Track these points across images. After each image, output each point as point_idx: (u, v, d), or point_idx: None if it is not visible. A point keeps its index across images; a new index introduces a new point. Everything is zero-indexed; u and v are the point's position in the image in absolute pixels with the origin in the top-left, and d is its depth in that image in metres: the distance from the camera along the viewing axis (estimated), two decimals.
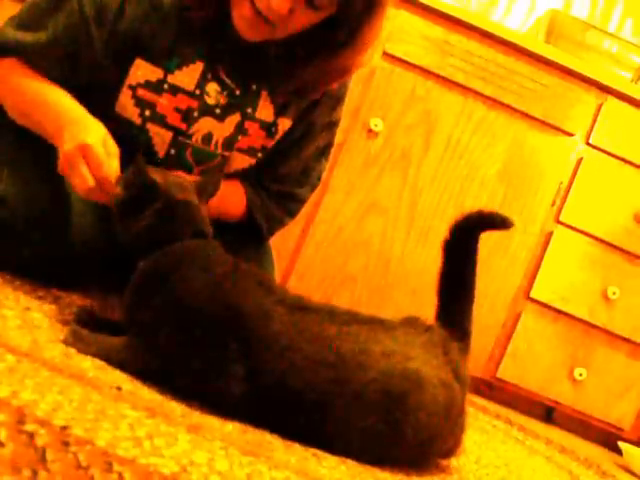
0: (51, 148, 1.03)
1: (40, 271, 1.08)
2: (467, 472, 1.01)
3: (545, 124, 2.02)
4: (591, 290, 2.03)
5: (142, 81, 1.14)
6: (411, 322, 0.94)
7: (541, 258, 2.03)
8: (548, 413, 2.13)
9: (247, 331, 0.83)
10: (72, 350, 0.83)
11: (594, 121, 2.03)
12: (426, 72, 1.99)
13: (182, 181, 0.99)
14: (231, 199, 1.30)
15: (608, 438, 2.06)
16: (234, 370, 0.82)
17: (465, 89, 2.00)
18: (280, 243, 1.59)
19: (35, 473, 0.49)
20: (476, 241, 0.99)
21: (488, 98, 2.01)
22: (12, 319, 0.85)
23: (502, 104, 2.01)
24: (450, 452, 0.97)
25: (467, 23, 1.98)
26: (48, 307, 0.98)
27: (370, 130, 1.97)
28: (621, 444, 1.81)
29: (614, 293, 2.02)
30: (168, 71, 1.14)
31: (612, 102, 2.03)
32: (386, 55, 1.97)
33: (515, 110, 2.01)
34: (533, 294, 2.02)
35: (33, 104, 1.09)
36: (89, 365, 0.80)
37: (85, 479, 0.51)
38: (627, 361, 2.04)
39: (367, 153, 1.98)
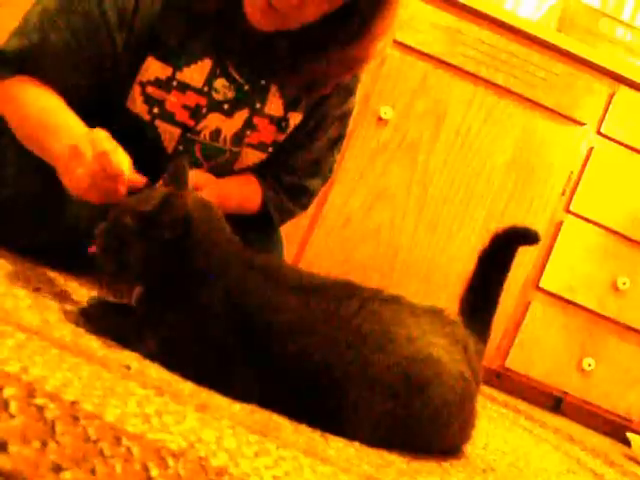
0: None
1: (46, 254, 1.08)
2: (475, 457, 1.01)
3: (556, 113, 2.01)
4: (601, 280, 2.02)
5: (152, 78, 1.13)
6: (436, 312, 0.94)
7: (551, 248, 2.02)
8: (556, 403, 2.12)
9: (254, 330, 0.83)
10: (82, 330, 0.84)
11: (605, 110, 2.02)
12: (437, 60, 1.99)
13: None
14: (250, 197, 1.31)
15: (616, 429, 2.06)
16: (242, 373, 0.83)
17: (476, 78, 2.00)
18: (289, 231, 1.59)
19: (45, 444, 0.49)
20: (513, 255, 1.02)
21: (499, 87, 2.00)
22: (23, 299, 0.86)
23: (513, 93, 2.00)
24: (456, 448, 0.97)
25: (478, 11, 1.97)
26: (59, 288, 0.99)
27: (380, 118, 1.97)
28: (630, 435, 1.81)
29: (624, 283, 2.01)
30: (177, 68, 1.13)
31: (624, 91, 2.01)
32: (396, 43, 1.96)
33: (526, 99, 2.01)
34: (542, 284, 2.02)
35: (39, 130, 1.03)
36: (98, 345, 0.81)
37: (94, 452, 0.52)
38: (636, 352, 2.03)
39: (376, 141, 1.98)
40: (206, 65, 1.15)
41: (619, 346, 2.03)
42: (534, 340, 2.02)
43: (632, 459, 1.74)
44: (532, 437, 1.45)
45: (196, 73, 1.15)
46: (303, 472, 0.66)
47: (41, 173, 1.06)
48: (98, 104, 1.11)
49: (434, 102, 1.99)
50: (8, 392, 0.55)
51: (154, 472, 0.52)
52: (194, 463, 0.57)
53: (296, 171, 1.35)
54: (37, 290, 0.93)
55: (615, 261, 2.03)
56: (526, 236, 1.03)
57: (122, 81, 1.13)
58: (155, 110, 1.15)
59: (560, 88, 2.00)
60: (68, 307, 0.91)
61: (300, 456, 0.70)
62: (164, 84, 1.14)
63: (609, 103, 2.02)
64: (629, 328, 2.03)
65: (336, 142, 1.38)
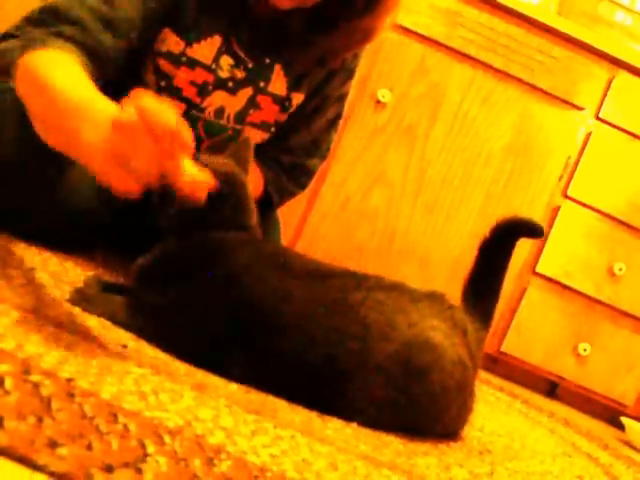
0: None
1: (42, 234, 1.07)
2: (471, 439, 1.01)
3: (554, 97, 2.00)
4: (597, 265, 2.02)
5: (165, 51, 1.12)
6: (435, 297, 0.94)
7: (547, 233, 2.01)
8: (552, 388, 2.13)
9: (257, 314, 0.83)
10: (77, 309, 0.83)
11: (604, 95, 2.01)
12: (435, 43, 1.97)
13: (225, 161, 0.96)
14: (253, 182, 1.30)
15: (611, 414, 2.07)
16: (240, 358, 0.82)
17: (474, 61, 1.98)
18: (286, 213, 1.58)
19: (40, 420, 0.49)
20: (514, 245, 1.01)
21: (497, 71, 1.99)
22: (17, 278, 0.85)
23: (511, 77, 1.99)
24: (454, 432, 0.97)
25: None
26: (53, 268, 0.98)
27: (378, 101, 1.95)
28: (624, 419, 1.82)
29: (620, 269, 2.01)
30: (187, 44, 1.13)
31: (623, 76, 2.00)
32: (395, 25, 1.95)
33: (524, 83, 2.00)
34: (539, 269, 2.02)
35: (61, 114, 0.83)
36: (94, 323, 0.80)
37: (90, 428, 0.51)
38: (632, 337, 2.04)
39: (374, 124, 1.97)
40: (216, 41, 1.14)
41: (614, 331, 2.04)
42: (530, 325, 2.02)
43: (626, 443, 1.75)
44: (528, 420, 1.45)
45: (206, 49, 1.14)
46: (300, 451, 0.66)
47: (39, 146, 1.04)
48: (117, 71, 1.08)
49: (432, 85, 1.98)
50: (3, 368, 0.54)
51: (151, 449, 0.52)
52: (191, 441, 0.57)
53: (295, 151, 1.34)
54: (32, 269, 0.92)
55: (612, 246, 2.03)
56: (530, 229, 1.02)
57: (141, 49, 1.11)
58: (162, 83, 1.14)
59: (559, 72, 1.99)
60: (64, 286, 0.91)
61: (297, 435, 0.70)
62: (175, 59, 1.13)
63: (608, 88, 2.01)
64: (625, 314, 2.04)
65: (334, 122, 1.38)
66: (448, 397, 0.88)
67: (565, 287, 2.03)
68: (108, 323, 0.83)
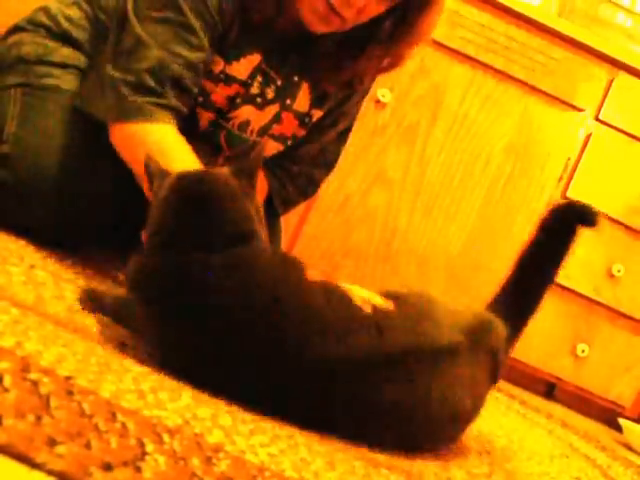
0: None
1: (42, 233, 1.07)
2: (470, 440, 1.01)
3: (555, 99, 2.00)
4: (596, 267, 2.02)
5: (207, 70, 1.12)
6: (476, 335, 0.89)
7: None
8: (550, 389, 2.13)
9: (265, 330, 0.72)
10: (76, 306, 0.83)
11: (604, 97, 2.01)
12: (435, 44, 1.97)
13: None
14: (258, 191, 1.31)
15: (609, 415, 2.07)
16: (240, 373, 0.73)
17: (475, 62, 1.98)
18: None
19: (39, 418, 0.49)
20: (574, 235, 0.96)
21: (498, 71, 1.99)
22: (17, 275, 0.85)
23: (512, 78, 1.99)
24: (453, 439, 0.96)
25: None
26: (52, 266, 0.98)
27: (378, 101, 1.95)
28: (622, 421, 1.82)
29: (619, 270, 2.01)
30: (227, 62, 1.13)
31: (623, 78, 2.00)
32: None
33: (525, 84, 1.99)
34: None
35: None
36: (93, 321, 0.80)
37: (89, 427, 0.51)
38: (630, 338, 2.04)
39: (374, 124, 1.97)
40: (255, 59, 1.15)
41: (613, 333, 2.04)
42: (528, 325, 2.01)
43: (624, 444, 1.75)
44: (526, 421, 1.45)
45: (243, 67, 1.15)
46: (299, 450, 0.66)
47: (54, 154, 1.05)
48: None
49: (432, 86, 1.98)
50: (2, 366, 0.54)
51: (149, 447, 0.52)
52: (190, 440, 0.57)
53: (303, 160, 1.36)
54: (31, 267, 0.92)
55: (611, 248, 2.03)
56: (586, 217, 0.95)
57: None
58: (200, 99, 1.15)
59: (559, 73, 1.99)
60: (63, 284, 0.91)
61: (296, 434, 0.70)
62: (215, 77, 1.14)
63: (608, 89, 2.01)
64: (623, 315, 2.04)
65: (344, 134, 1.41)
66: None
67: (564, 288, 2.02)
68: (107, 320, 0.83)
